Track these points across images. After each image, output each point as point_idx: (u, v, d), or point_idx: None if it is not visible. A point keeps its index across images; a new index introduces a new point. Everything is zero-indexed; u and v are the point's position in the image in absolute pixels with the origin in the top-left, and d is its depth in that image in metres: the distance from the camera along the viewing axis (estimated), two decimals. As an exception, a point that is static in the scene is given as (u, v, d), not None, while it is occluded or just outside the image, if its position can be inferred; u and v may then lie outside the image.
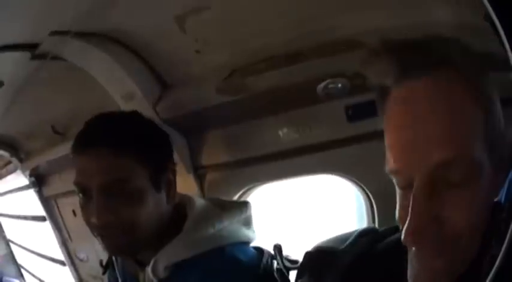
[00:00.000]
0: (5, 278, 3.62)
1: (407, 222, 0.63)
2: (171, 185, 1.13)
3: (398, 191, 0.68)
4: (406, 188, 0.65)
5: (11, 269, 4.13)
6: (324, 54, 1.16)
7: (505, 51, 0.58)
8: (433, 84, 0.63)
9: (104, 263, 1.29)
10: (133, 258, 1.18)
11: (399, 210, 0.68)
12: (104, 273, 1.30)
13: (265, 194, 1.59)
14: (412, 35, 0.69)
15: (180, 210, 1.16)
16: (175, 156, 1.19)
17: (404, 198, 0.66)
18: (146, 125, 1.14)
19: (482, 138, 0.63)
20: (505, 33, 0.57)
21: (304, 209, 1.63)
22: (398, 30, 0.98)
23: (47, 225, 2.57)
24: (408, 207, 0.63)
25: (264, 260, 1.15)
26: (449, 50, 0.65)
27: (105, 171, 1.04)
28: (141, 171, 1.06)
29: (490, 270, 0.62)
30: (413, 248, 0.66)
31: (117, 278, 1.24)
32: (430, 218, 0.62)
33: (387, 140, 0.67)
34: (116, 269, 1.25)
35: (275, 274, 1.12)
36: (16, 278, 3.89)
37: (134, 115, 1.15)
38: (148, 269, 1.10)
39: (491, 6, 0.58)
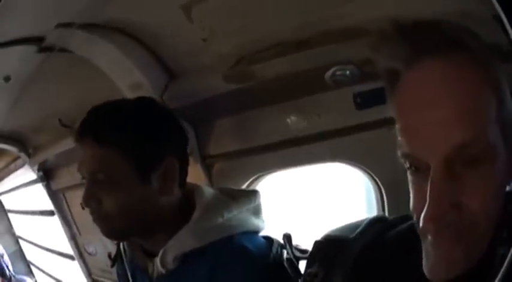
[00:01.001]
0: (16, 276, 3.66)
1: (425, 208, 0.61)
2: (167, 176, 1.13)
3: (411, 179, 0.67)
4: (420, 173, 0.64)
5: (20, 267, 4.15)
6: (332, 41, 1.16)
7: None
8: (447, 66, 0.63)
9: (113, 255, 1.31)
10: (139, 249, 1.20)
11: (413, 199, 0.67)
12: (112, 265, 1.32)
13: (275, 182, 1.59)
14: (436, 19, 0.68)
15: (188, 199, 1.17)
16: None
17: (418, 185, 0.65)
18: (140, 114, 1.14)
19: (496, 122, 0.63)
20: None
21: (313, 198, 1.62)
22: (406, 18, 0.98)
23: (56, 219, 2.59)
24: (422, 193, 0.62)
25: (274, 250, 1.15)
26: (461, 33, 0.64)
27: (90, 161, 1.11)
28: (123, 163, 1.09)
29: (501, 263, 0.63)
30: (430, 237, 0.65)
31: (125, 271, 1.26)
32: (449, 204, 0.62)
33: (400, 123, 0.66)
34: (125, 261, 1.27)
35: (285, 264, 1.12)
36: (26, 275, 3.92)
37: (130, 105, 1.16)
38: (157, 260, 1.12)
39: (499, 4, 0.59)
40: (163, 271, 1.12)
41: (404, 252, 0.71)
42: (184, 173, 1.18)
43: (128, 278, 1.25)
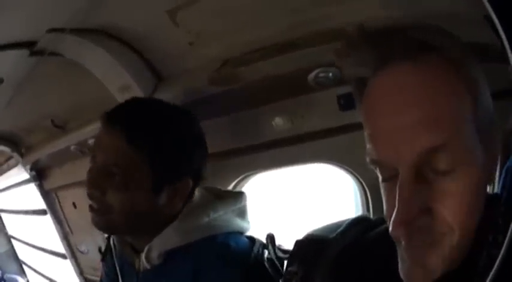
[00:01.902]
0: (7, 275, 3.63)
1: (394, 213, 0.61)
2: (177, 194, 1.14)
3: (382, 185, 0.67)
4: (391, 179, 0.64)
5: (12, 266, 4.14)
6: (315, 44, 1.18)
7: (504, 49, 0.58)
8: (414, 70, 0.62)
9: (103, 250, 1.34)
10: (129, 245, 1.23)
11: (385, 206, 0.66)
12: (102, 259, 1.34)
13: (263, 182, 1.62)
14: (403, 24, 0.70)
15: None
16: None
17: (389, 191, 0.64)
18: (177, 131, 1.14)
19: (472, 121, 0.62)
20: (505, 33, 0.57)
21: (302, 199, 1.65)
22: (394, 19, 0.98)
23: (48, 218, 2.61)
24: (393, 199, 0.61)
25: (255, 249, 1.17)
26: (430, 35, 0.64)
27: (111, 151, 1.09)
28: (143, 167, 1.09)
29: (487, 266, 0.61)
30: (403, 242, 0.64)
31: (114, 265, 1.29)
32: (419, 209, 0.61)
33: (368, 129, 0.65)
34: (114, 256, 1.29)
35: (265, 263, 1.12)
36: (18, 274, 3.92)
37: (175, 116, 1.16)
38: (143, 256, 1.15)
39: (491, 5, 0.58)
40: (148, 266, 1.15)
41: (383, 253, 0.70)
42: (193, 192, 1.19)
43: (116, 272, 1.28)
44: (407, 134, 0.61)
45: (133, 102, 1.15)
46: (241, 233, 1.22)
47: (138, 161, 1.09)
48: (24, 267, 4.03)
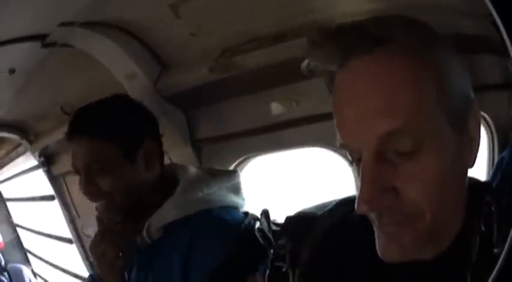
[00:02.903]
0: (11, 265, 3.63)
1: (358, 191, 0.64)
2: (148, 156, 1.29)
3: (352, 169, 0.75)
4: (359, 162, 0.66)
5: (17, 255, 4.18)
6: (303, 35, 1.25)
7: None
8: (374, 61, 0.65)
9: None
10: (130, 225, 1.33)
11: (356, 187, 0.73)
12: None
13: (264, 165, 1.70)
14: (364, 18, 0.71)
15: (173, 177, 1.31)
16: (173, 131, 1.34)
17: (358, 173, 0.67)
18: (117, 109, 1.31)
19: (436, 105, 0.64)
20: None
21: (304, 182, 1.69)
22: (379, 12, 1.06)
23: (55, 204, 2.66)
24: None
25: (247, 221, 1.27)
26: (389, 27, 0.66)
27: (85, 155, 1.25)
28: (113, 151, 1.25)
29: (478, 249, 0.65)
30: (376, 221, 0.67)
31: None
32: (382, 188, 0.63)
33: (335, 120, 0.69)
34: None
35: (256, 233, 1.19)
36: (23, 263, 3.98)
37: (109, 101, 1.32)
38: (143, 232, 1.27)
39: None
40: (149, 241, 1.27)
41: (366, 232, 0.72)
42: (162, 152, 1.33)
43: None
44: (366, 120, 0.64)
45: (78, 112, 1.30)
46: (235, 208, 1.32)
47: (106, 148, 1.25)
48: (29, 255, 4.09)
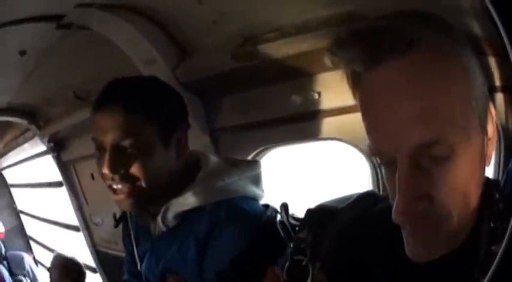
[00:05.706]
0: (10, 252, 3.70)
1: (395, 202, 0.65)
2: (181, 142, 1.24)
3: (384, 172, 0.71)
4: (391, 164, 0.67)
5: (18, 242, 4.19)
6: (329, 25, 1.27)
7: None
8: (403, 67, 0.64)
9: (118, 216, 1.42)
10: (145, 211, 1.32)
11: (388, 187, 0.71)
12: (116, 226, 1.43)
13: (282, 158, 1.71)
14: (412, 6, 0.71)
15: (195, 165, 1.29)
16: (190, 119, 1.31)
17: (390, 175, 0.68)
18: (158, 87, 1.26)
19: (467, 108, 0.65)
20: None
21: (318, 174, 1.72)
22: (398, 4, 1.06)
23: (63, 191, 2.70)
24: (394, 184, 0.65)
25: (268, 212, 1.26)
26: (420, 29, 0.65)
27: (117, 127, 1.17)
28: (150, 128, 1.18)
29: (487, 242, 0.67)
30: (407, 226, 0.69)
31: (130, 231, 1.39)
32: (418, 197, 0.65)
33: (366, 124, 0.68)
34: (129, 223, 1.40)
35: (277, 226, 1.19)
36: (24, 251, 3.95)
37: (148, 79, 1.30)
38: (159, 218, 1.25)
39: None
40: (164, 228, 1.26)
41: (386, 226, 0.72)
42: (187, 144, 1.28)
43: (130, 239, 1.38)
44: (403, 129, 0.64)
45: (116, 82, 1.25)
46: (255, 199, 1.31)
47: (143, 125, 1.18)
48: (32, 242, 4.12)
